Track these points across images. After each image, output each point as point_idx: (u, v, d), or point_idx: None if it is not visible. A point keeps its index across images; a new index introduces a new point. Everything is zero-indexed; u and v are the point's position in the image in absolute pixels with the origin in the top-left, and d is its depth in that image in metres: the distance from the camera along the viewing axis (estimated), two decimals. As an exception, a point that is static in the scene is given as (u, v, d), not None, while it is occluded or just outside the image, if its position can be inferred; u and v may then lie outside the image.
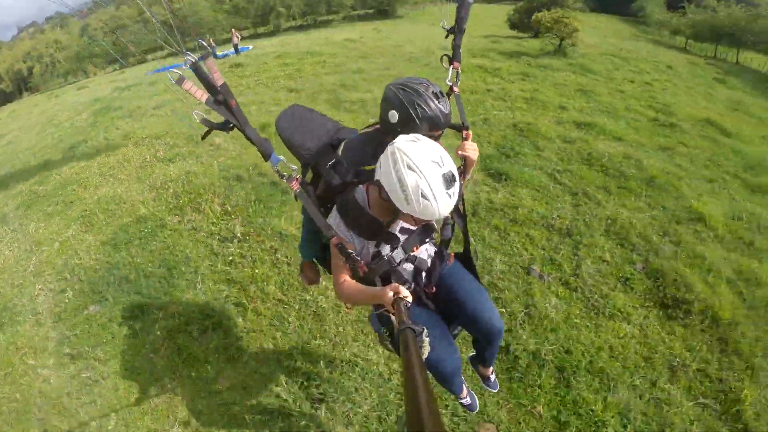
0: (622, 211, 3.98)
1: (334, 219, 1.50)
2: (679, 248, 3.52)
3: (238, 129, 1.34)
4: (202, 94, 1.25)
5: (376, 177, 1.35)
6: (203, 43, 1.33)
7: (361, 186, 1.53)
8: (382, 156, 1.36)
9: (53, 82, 36.81)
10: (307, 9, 38.25)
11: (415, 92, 1.50)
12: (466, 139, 1.69)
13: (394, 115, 1.53)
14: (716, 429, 2.29)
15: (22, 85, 39.81)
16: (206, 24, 34.27)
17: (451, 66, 1.84)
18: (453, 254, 1.82)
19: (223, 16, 37.97)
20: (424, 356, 1.21)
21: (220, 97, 1.28)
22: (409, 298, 1.21)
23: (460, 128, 1.75)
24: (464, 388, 1.97)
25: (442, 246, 1.72)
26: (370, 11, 36.61)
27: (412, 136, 1.37)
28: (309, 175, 1.71)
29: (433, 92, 1.53)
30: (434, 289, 1.70)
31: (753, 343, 2.73)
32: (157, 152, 5.80)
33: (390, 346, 1.66)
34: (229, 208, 4.17)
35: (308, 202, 1.43)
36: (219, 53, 18.52)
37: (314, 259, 2.02)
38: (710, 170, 5.14)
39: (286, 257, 3.51)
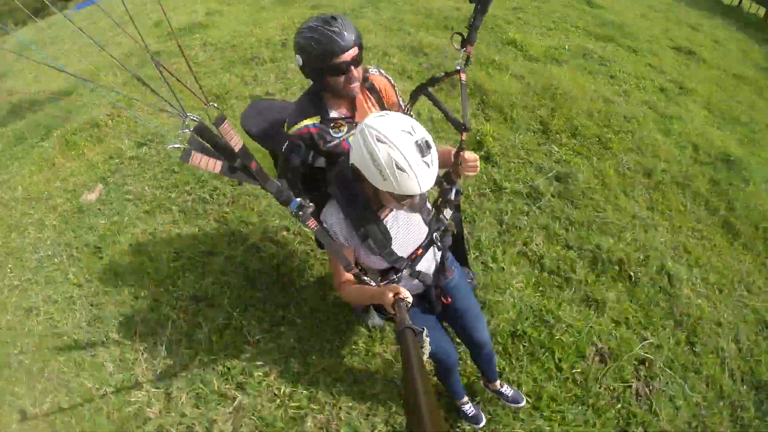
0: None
1: (330, 213, 1.43)
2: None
3: (261, 187, 1.19)
4: (215, 164, 1.04)
5: (351, 161, 1.29)
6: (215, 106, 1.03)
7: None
8: (352, 137, 1.35)
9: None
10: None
11: (308, 29, 1.43)
12: (462, 148, 1.53)
13: (299, 60, 1.49)
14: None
15: None
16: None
17: (464, 49, 1.59)
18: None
19: None
20: (425, 356, 1.22)
21: (237, 163, 1.08)
22: (410, 299, 1.21)
23: (459, 126, 1.58)
24: (465, 395, 2.04)
25: (444, 255, 1.66)
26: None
27: (380, 112, 1.36)
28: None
29: (327, 18, 1.43)
30: (449, 299, 1.71)
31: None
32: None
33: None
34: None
35: (325, 237, 1.37)
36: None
37: None
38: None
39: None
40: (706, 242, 3.11)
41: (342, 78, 1.47)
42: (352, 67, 1.46)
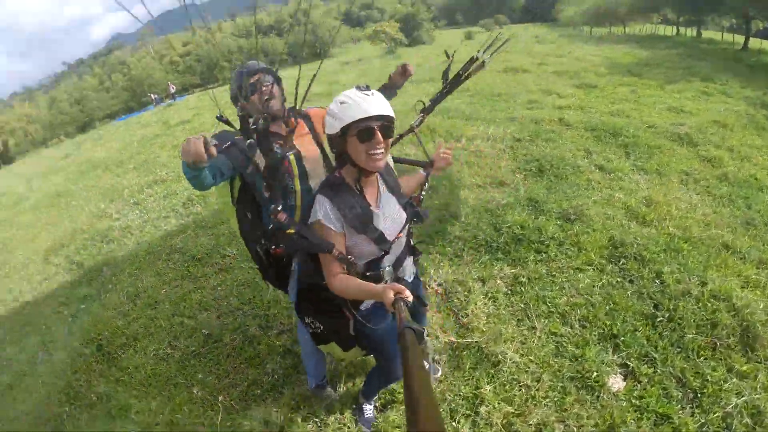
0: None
1: (319, 206, 1.44)
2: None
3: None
4: None
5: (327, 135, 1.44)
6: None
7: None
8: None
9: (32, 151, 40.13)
10: (246, 60, 44.07)
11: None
12: (428, 181, 1.88)
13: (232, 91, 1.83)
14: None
15: (-3, 159, 41.15)
16: (159, 83, 39.79)
17: (421, 114, 2.08)
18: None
19: (175, 75, 45.57)
20: (429, 356, 1.29)
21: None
22: (410, 298, 1.20)
23: (425, 164, 1.89)
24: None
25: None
26: (305, 56, 40.96)
27: None
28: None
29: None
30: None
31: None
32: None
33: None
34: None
35: (309, 233, 1.47)
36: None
37: None
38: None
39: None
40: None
41: (255, 96, 1.75)
42: (261, 85, 1.76)
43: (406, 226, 1.60)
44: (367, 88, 1.36)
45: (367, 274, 1.51)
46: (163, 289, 3.72)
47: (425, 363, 1.08)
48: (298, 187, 1.79)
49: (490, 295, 2.90)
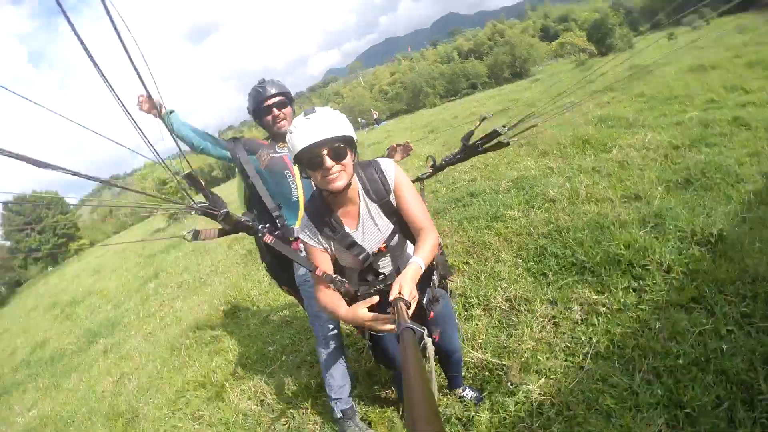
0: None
1: (303, 226, 1.51)
2: None
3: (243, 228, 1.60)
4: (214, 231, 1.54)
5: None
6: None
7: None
8: None
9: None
10: (449, 86, 48.47)
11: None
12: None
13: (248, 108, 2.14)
14: None
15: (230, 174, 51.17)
16: (367, 110, 46.58)
17: (431, 170, 2.13)
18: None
19: (383, 102, 52.90)
20: (431, 357, 1.28)
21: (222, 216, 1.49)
22: (410, 298, 1.19)
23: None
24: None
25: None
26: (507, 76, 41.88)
27: None
28: None
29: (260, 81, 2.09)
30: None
31: None
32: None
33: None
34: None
35: (283, 247, 1.58)
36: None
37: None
38: None
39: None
40: None
41: (269, 118, 2.04)
42: (275, 109, 2.02)
43: (395, 237, 1.53)
44: (312, 110, 1.31)
45: (358, 294, 1.53)
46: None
47: (425, 363, 1.12)
48: (299, 183, 2.05)
49: (555, 320, 2.42)
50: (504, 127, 1.71)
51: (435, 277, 1.47)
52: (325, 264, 1.48)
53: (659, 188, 3.45)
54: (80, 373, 5.13)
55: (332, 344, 2.12)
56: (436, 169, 2.10)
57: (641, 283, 2.40)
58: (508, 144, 1.74)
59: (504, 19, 68.44)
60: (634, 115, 6.22)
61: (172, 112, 2.06)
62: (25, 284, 33.80)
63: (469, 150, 1.89)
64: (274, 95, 2.01)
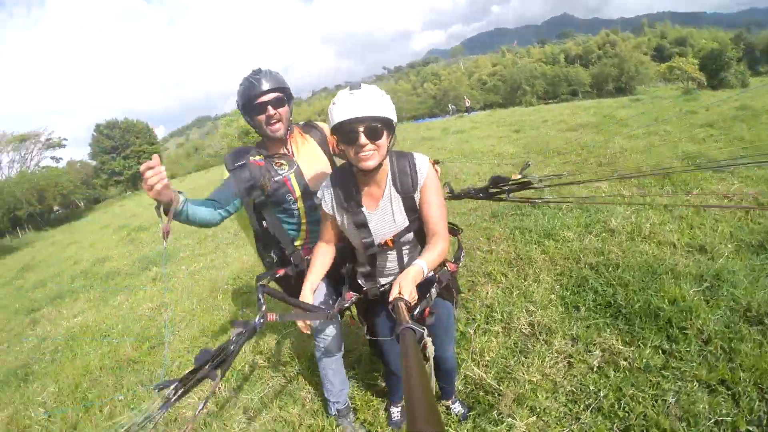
0: None
1: (325, 186, 1.55)
2: None
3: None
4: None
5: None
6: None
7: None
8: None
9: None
10: (549, 87, 46.70)
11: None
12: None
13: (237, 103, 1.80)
14: None
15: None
16: (461, 96, 45.74)
17: (448, 193, 1.98)
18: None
19: (480, 92, 52.33)
20: (431, 357, 1.28)
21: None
22: (409, 297, 1.20)
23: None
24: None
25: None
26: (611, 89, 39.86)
27: None
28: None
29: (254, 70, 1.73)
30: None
31: None
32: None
33: None
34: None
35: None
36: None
37: None
38: None
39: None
40: None
41: (262, 117, 1.71)
42: (270, 107, 1.69)
43: (407, 234, 1.52)
44: (358, 86, 1.32)
45: (365, 290, 1.61)
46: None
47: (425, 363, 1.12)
48: (301, 206, 1.83)
49: (570, 359, 2.30)
50: (540, 181, 1.65)
51: (433, 290, 1.42)
52: (330, 233, 1.63)
53: (729, 246, 3.10)
54: (127, 294, 5.71)
55: (333, 354, 2.05)
56: (454, 196, 2.00)
57: (674, 346, 2.19)
58: (535, 203, 1.69)
59: (618, 30, 63.73)
60: (726, 160, 5.62)
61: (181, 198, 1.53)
62: (103, 203, 37.84)
63: (493, 194, 1.82)
64: (270, 91, 1.69)
